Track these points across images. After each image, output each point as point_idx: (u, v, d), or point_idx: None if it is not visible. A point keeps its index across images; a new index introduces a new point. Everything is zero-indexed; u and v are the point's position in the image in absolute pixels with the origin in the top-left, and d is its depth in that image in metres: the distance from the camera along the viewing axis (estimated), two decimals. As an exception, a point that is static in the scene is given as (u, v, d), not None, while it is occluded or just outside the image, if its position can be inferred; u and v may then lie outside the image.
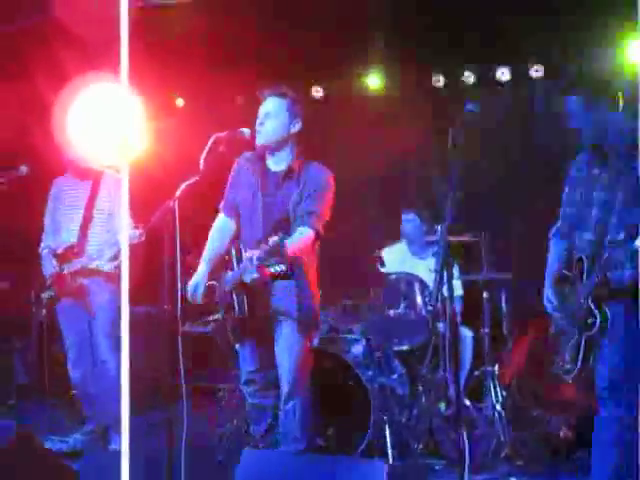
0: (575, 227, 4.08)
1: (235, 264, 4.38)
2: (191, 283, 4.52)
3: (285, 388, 4.38)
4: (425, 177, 6.74)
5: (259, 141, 4.41)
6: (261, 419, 4.61)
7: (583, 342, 3.92)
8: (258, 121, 4.40)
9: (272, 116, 4.39)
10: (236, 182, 4.62)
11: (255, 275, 4.12)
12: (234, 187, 4.63)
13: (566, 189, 4.21)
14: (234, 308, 4.35)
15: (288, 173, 4.43)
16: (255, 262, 4.01)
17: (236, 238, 4.58)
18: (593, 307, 3.85)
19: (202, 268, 4.58)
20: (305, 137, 4.52)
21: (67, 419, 6.06)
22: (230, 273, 4.39)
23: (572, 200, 4.15)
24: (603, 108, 3.93)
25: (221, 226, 4.67)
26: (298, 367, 4.39)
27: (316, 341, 5.62)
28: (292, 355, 4.38)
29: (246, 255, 4.19)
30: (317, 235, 4.35)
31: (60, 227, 5.62)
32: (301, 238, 4.28)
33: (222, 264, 4.52)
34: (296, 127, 4.45)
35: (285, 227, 4.29)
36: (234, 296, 4.34)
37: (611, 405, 3.87)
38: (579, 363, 3.92)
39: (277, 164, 4.48)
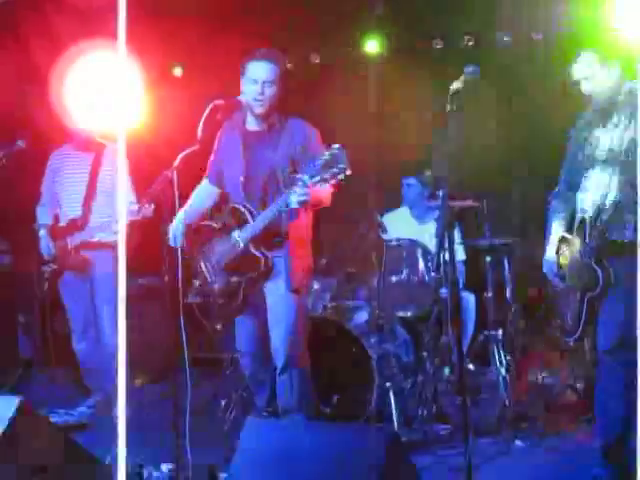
0: (576, 188, 4.06)
1: (250, 219, 4.28)
2: (171, 228, 4.39)
3: (280, 359, 4.32)
4: (425, 142, 6.69)
5: (260, 111, 4.32)
6: (261, 391, 4.61)
7: (586, 303, 3.91)
8: (257, 89, 4.27)
9: (270, 84, 4.29)
10: (217, 149, 4.57)
11: (305, 197, 3.99)
12: (218, 155, 4.58)
13: (567, 151, 4.18)
14: (259, 263, 4.29)
15: (269, 130, 4.38)
16: (308, 181, 3.91)
17: (224, 202, 4.55)
18: (596, 267, 3.84)
19: (180, 214, 4.42)
20: (286, 97, 4.44)
21: (72, 392, 6.06)
22: (252, 223, 4.28)
23: (573, 161, 4.13)
24: (607, 70, 3.89)
25: (204, 189, 4.63)
26: (292, 337, 4.32)
27: (319, 310, 5.62)
28: (285, 325, 4.32)
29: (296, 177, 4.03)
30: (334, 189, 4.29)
31: (62, 200, 5.60)
32: (327, 191, 4.21)
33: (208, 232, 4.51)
34: (280, 89, 4.36)
35: (273, 182, 4.29)
36: (253, 249, 4.28)
37: (613, 363, 3.86)
38: (582, 324, 3.91)
39: (259, 124, 4.42)
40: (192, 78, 7.66)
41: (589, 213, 3.90)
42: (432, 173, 6.18)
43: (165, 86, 7.14)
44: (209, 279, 4.49)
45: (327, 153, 3.86)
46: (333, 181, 3.88)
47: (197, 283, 4.53)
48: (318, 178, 3.88)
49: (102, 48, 4.59)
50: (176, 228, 4.40)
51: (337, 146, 3.86)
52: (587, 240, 3.88)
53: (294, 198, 4.02)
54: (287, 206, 4.10)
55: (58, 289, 5.61)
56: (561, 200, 4.18)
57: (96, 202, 5.48)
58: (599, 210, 3.85)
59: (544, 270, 4.20)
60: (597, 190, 3.89)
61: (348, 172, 3.86)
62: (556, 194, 4.22)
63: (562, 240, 4.12)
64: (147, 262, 5.23)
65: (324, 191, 4.18)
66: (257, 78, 4.28)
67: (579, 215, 3.98)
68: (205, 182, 4.65)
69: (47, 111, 5.26)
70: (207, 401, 5.55)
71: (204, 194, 4.63)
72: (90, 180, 5.48)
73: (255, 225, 4.26)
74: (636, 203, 3.58)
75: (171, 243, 4.31)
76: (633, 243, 3.68)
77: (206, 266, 4.52)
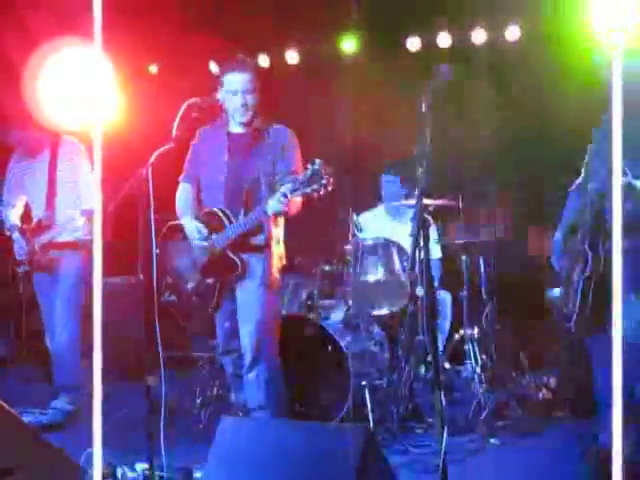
0: (592, 180, 4.10)
1: (227, 223, 4.37)
2: (194, 231, 4.48)
3: (248, 356, 4.39)
4: (402, 141, 6.70)
5: (245, 119, 4.44)
6: (240, 389, 4.61)
7: (581, 284, 3.93)
8: (239, 100, 4.39)
9: (250, 92, 4.41)
10: (197, 151, 4.63)
11: (281, 207, 4.16)
12: (195, 156, 4.63)
13: (593, 144, 4.21)
14: (236, 267, 4.35)
15: (254, 135, 4.49)
16: (289, 194, 4.09)
17: (198, 202, 4.61)
18: (588, 249, 3.88)
19: (190, 221, 4.53)
20: (265, 101, 4.54)
21: (46, 391, 6.02)
22: (229, 228, 4.36)
23: (593, 154, 4.16)
24: None
25: (182, 192, 4.66)
26: (260, 335, 4.39)
27: (295, 308, 5.62)
28: (254, 323, 4.39)
29: (279, 188, 4.20)
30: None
31: (29, 201, 5.59)
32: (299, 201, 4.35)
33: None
34: (259, 95, 4.48)
35: (255, 188, 4.38)
36: (231, 254, 4.36)
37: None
38: (578, 304, 3.94)
39: (241, 128, 4.52)
40: (167, 76, 7.64)
41: (596, 204, 3.95)
42: (409, 172, 6.18)
43: (140, 84, 7.11)
44: (183, 278, 4.51)
45: (309, 168, 4.01)
46: (314, 195, 4.04)
47: (169, 280, 4.56)
48: (299, 192, 4.07)
49: (77, 45, 4.56)
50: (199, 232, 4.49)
51: (318, 161, 4.01)
52: (589, 226, 3.93)
53: (272, 205, 4.18)
54: (265, 214, 4.25)
55: (33, 288, 5.58)
56: (578, 193, 4.21)
57: (58, 199, 5.43)
58: (605, 200, 3.90)
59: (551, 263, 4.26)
60: (606, 180, 3.94)
61: (329, 188, 4.03)
62: (575, 186, 4.24)
63: (573, 227, 4.16)
64: (117, 261, 5.21)
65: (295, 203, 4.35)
66: (237, 90, 4.39)
67: (589, 206, 4.04)
68: (184, 185, 4.65)
69: (20, 107, 5.22)
70: (183, 400, 5.53)
71: (189, 197, 4.63)
72: (48, 179, 5.44)
73: (232, 231, 4.35)
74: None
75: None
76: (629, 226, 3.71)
77: (180, 265, 4.53)
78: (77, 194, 5.39)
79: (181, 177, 4.68)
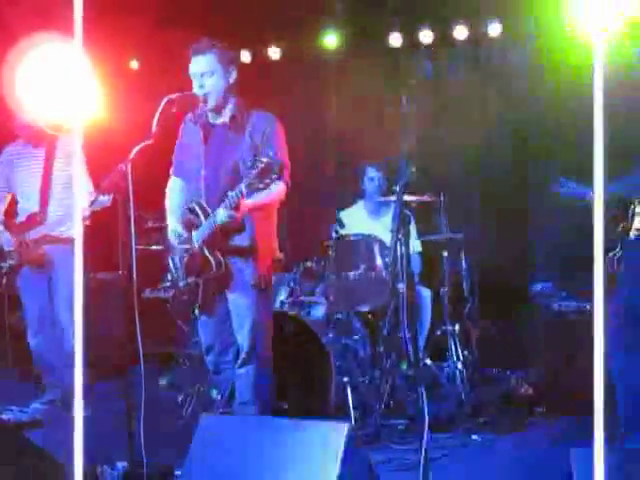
0: None
1: (203, 219, 4.25)
2: (173, 235, 4.43)
3: (242, 353, 4.34)
4: (385, 137, 6.70)
5: (210, 104, 4.29)
6: (223, 385, 4.60)
7: None
8: (197, 83, 4.26)
9: (210, 75, 4.26)
10: (181, 143, 4.56)
11: (228, 219, 4.07)
12: (180, 148, 4.57)
13: None
14: (210, 267, 4.25)
15: (231, 123, 4.34)
16: (244, 190, 3.96)
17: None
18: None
19: (173, 222, 4.48)
20: (242, 86, 4.41)
21: (26, 389, 5.99)
22: (203, 225, 4.25)
23: None
24: None
25: (173, 186, 4.61)
26: (256, 333, 4.33)
27: (277, 305, 5.61)
28: (249, 323, 4.32)
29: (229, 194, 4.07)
30: (287, 187, 4.27)
31: (18, 195, 5.56)
32: (272, 193, 4.19)
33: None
34: (233, 77, 4.34)
35: (234, 180, 4.19)
36: (206, 252, 4.25)
37: None
38: None
39: (219, 116, 4.39)
40: (148, 71, 7.61)
41: None
42: (391, 168, 6.18)
43: (121, 79, 7.08)
44: (174, 276, 4.46)
45: (264, 161, 3.87)
46: (267, 189, 3.96)
47: (169, 277, 4.50)
48: (254, 187, 3.93)
49: (57, 40, 4.53)
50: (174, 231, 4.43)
51: (270, 154, 3.93)
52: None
53: (221, 215, 4.10)
54: (215, 224, 4.15)
55: (15, 284, 5.54)
56: None
57: (53, 195, 5.42)
58: None
59: None
60: None
61: (279, 182, 4.01)
62: None
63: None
64: (104, 256, 5.19)
65: (269, 195, 4.20)
66: (196, 72, 4.28)
67: None
68: (174, 179, 4.61)
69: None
70: (164, 396, 5.52)
71: (175, 191, 4.59)
72: (44, 173, 5.43)
73: (205, 228, 4.25)
74: None
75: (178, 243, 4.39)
76: None
77: (173, 262, 4.48)
78: (71, 191, 5.36)
79: (171, 170, 4.62)
